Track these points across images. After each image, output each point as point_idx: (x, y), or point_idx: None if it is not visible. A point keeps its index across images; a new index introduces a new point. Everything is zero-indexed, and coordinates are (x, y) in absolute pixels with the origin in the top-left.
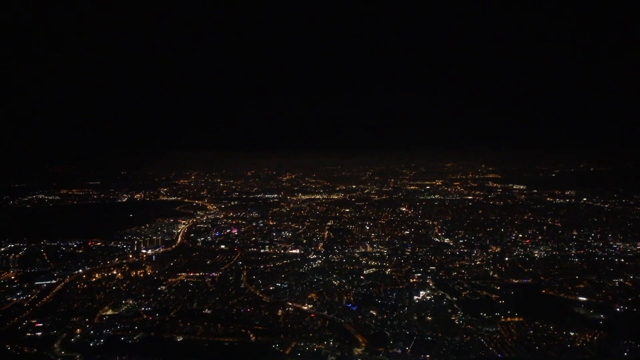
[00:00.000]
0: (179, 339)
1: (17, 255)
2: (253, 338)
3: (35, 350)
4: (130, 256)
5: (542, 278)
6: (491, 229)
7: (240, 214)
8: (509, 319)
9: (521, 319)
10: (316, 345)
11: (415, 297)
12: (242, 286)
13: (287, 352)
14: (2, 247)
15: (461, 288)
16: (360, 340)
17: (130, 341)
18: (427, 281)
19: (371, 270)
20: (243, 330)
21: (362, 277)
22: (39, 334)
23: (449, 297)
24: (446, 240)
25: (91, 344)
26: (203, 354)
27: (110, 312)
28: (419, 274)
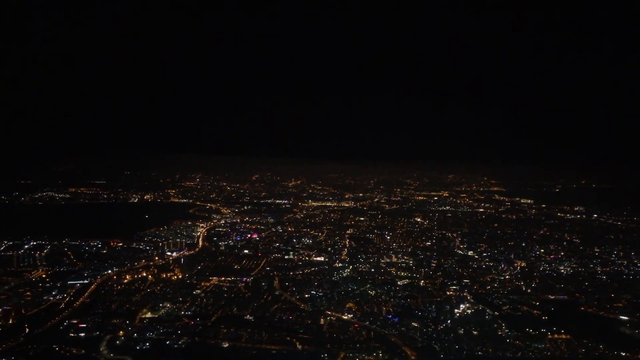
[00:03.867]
0: (225, 345)
1: (42, 253)
2: (300, 347)
3: (83, 351)
4: (156, 258)
5: (577, 295)
6: (512, 243)
7: (256, 218)
8: (556, 335)
9: (569, 337)
10: (365, 357)
11: (456, 311)
12: (277, 293)
13: None
14: (26, 245)
15: (500, 302)
16: (409, 353)
17: (176, 346)
18: (465, 294)
19: (405, 281)
20: (288, 338)
21: (397, 287)
22: (82, 334)
23: (490, 312)
24: (470, 253)
25: (137, 347)
26: None
27: (149, 314)
28: (454, 287)
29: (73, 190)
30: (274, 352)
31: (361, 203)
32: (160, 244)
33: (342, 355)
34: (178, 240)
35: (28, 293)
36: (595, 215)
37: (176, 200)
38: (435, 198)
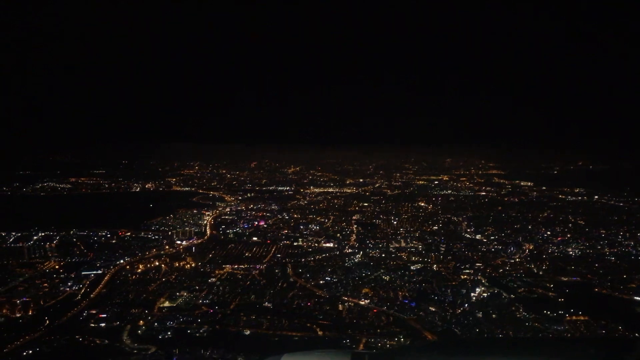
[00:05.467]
0: (247, 332)
1: (52, 244)
2: (321, 333)
3: (106, 341)
4: (167, 247)
5: (589, 277)
6: (518, 226)
7: (260, 205)
8: (574, 317)
9: (587, 318)
10: (388, 342)
11: (472, 294)
12: (292, 280)
13: (360, 348)
14: (35, 236)
15: (515, 285)
16: (430, 337)
17: (197, 334)
18: (479, 278)
19: (418, 266)
20: (308, 325)
21: (410, 272)
22: (103, 325)
23: (506, 295)
24: (477, 236)
25: (160, 337)
26: (276, 347)
27: (167, 304)
28: (467, 271)
29: (73, 180)
30: (296, 338)
31: (363, 189)
32: (169, 233)
33: (364, 341)
34: (187, 229)
35: (45, 284)
36: (596, 197)
37: (178, 188)
38: (436, 182)
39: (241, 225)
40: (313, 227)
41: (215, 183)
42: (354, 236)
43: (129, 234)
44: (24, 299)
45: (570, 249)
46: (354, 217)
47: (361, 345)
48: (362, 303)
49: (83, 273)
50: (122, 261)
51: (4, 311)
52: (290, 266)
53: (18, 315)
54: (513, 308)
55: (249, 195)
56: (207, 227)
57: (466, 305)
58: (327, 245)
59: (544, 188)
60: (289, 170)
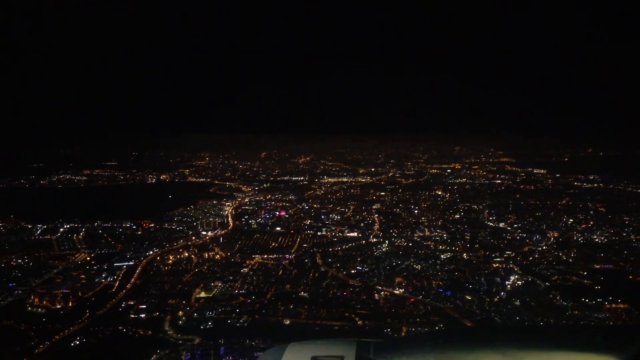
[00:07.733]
0: (287, 322)
1: (79, 236)
2: (360, 322)
3: (149, 332)
4: (193, 238)
5: (621, 264)
6: (539, 214)
7: (278, 196)
8: (613, 305)
9: (627, 306)
10: (428, 331)
11: (507, 283)
12: (323, 269)
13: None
14: (61, 228)
15: (548, 273)
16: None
17: (238, 324)
18: (511, 266)
19: (447, 255)
20: (347, 314)
21: (441, 261)
22: (143, 315)
23: (540, 282)
24: (501, 224)
25: (201, 327)
26: (317, 337)
27: (203, 294)
28: (498, 259)
29: (88, 172)
30: (336, 328)
31: (377, 178)
32: (193, 223)
33: (404, 330)
34: (210, 219)
35: (83, 276)
36: (611, 185)
37: (193, 179)
38: (449, 170)
39: (263, 216)
40: (334, 217)
41: (229, 174)
42: (377, 225)
43: (152, 225)
44: (64, 290)
45: (595, 236)
46: (373, 207)
47: (402, 334)
48: (397, 292)
49: (115, 264)
50: (151, 252)
51: (44, 302)
52: (319, 256)
53: (59, 306)
54: (550, 296)
55: (265, 185)
56: (230, 218)
57: (502, 293)
58: (352, 234)
59: (557, 175)
60: (300, 160)
